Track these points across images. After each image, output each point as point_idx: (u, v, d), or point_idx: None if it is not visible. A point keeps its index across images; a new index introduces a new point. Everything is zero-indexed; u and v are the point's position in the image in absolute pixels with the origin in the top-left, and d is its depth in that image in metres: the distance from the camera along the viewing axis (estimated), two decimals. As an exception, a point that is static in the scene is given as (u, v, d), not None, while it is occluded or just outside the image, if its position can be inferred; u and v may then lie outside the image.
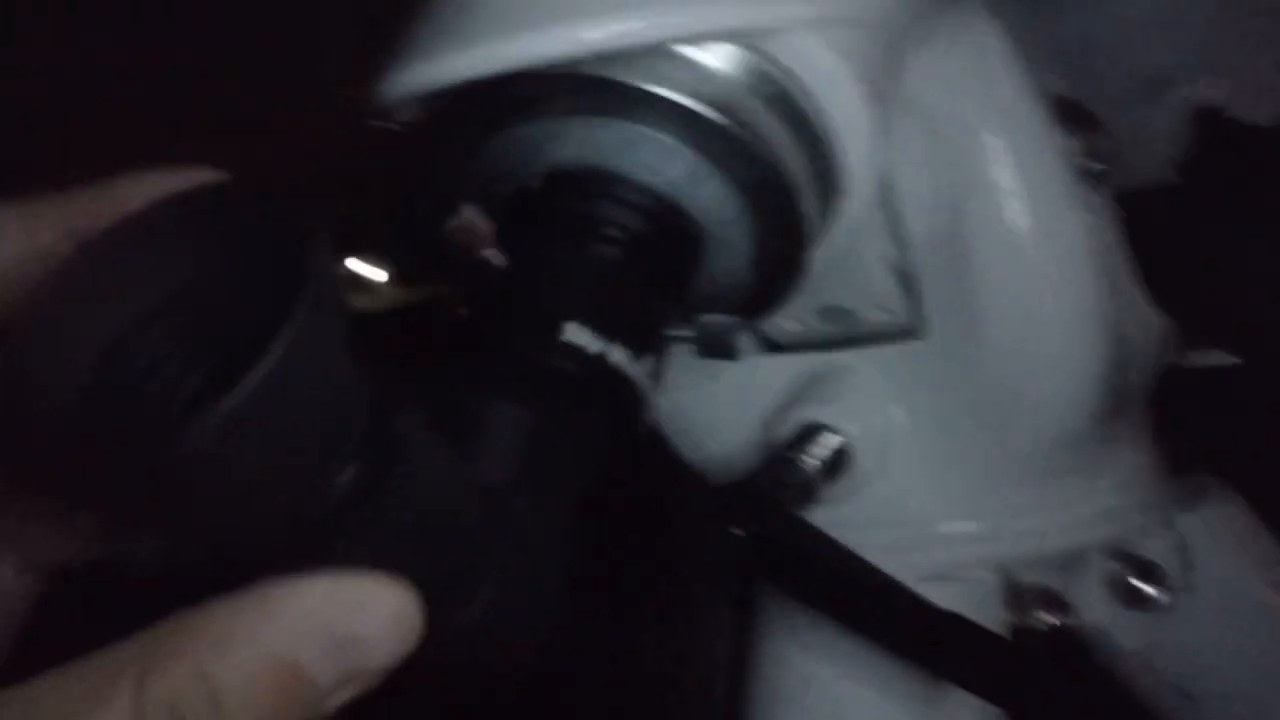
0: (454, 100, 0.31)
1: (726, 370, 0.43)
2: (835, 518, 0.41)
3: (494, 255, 0.30)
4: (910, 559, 0.42)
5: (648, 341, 0.30)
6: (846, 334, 0.43)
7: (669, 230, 0.31)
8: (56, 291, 0.21)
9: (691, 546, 0.39)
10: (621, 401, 0.30)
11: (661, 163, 0.31)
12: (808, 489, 0.40)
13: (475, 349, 0.29)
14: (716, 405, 0.43)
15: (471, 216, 0.30)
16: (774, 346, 0.44)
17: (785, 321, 0.43)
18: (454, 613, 0.25)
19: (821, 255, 0.38)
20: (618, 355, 0.30)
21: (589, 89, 0.30)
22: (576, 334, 0.29)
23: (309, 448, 0.21)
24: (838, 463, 0.42)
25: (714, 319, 0.31)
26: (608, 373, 0.29)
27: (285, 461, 0.21)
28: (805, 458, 0.41)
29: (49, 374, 0.21)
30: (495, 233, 0.30)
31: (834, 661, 0.43)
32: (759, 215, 0.32)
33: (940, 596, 0.38)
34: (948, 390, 0.42)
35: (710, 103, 0.30)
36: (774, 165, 0.31)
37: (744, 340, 0.31)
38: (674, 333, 0.31)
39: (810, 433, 0.42)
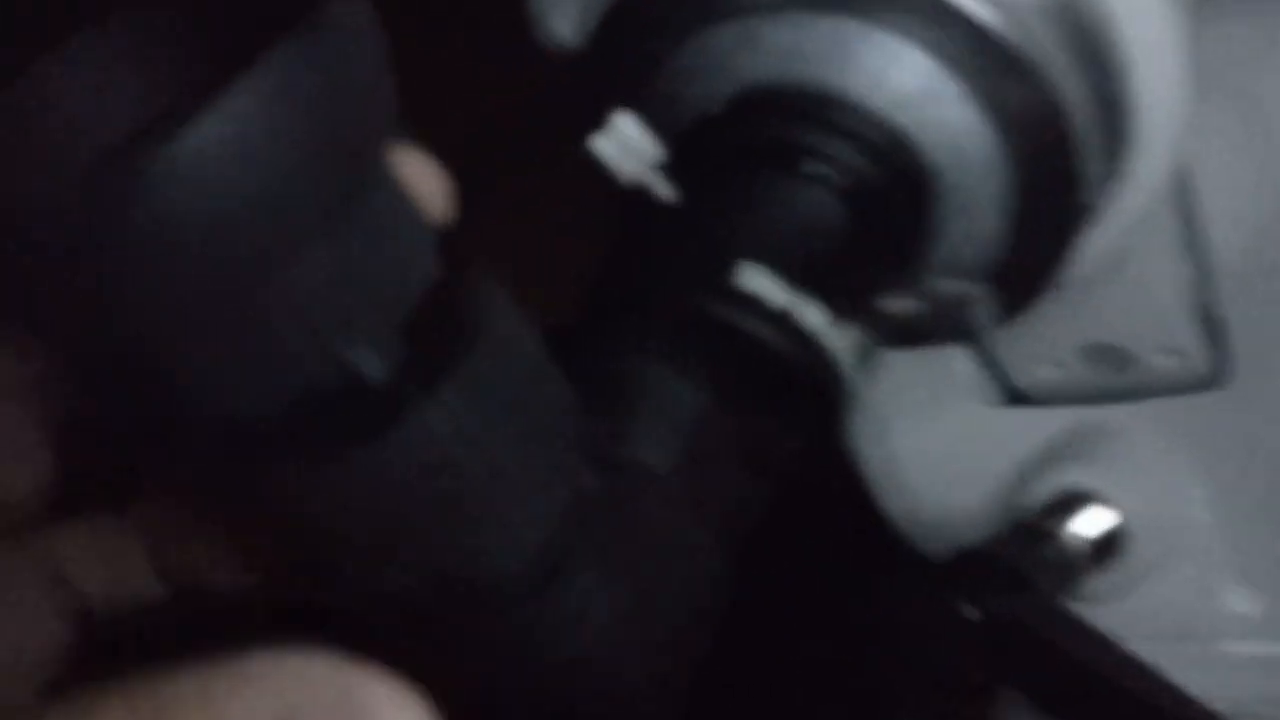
0: (621, 5, 0.25)
1: (957, 413, 0.35)
2: (1094, 622, 0.31)
3: (657, 182, 0.23)
4: (1192, 684, 0.31)
5: (853, 305, 0.22)
6: (1122, 384, 0.34)
7: (891, 168, 0.23)
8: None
9: (904, 628, 0.30)
10: (811, 380, 0.21)
11: (887, 74, 0.23)
12: (1070, 571, 0.31)
13: (629, 298, 0.22)
14: (941, 455, 0.35)
15: (627, 129, 0.23)
16: (1020, 398, 0.35)
17: (1037, 364, 0.35)
18: (553, 637, 0.17)
19: (1093, 257, 0.29)
20: (811, 316, 0.21)
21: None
22: (755, 279, 0.21)
23: (312, 282, 0.14)
24: (1110, 546, 0.32)
25: (947, 284, 0.23)
26: (795, 336, 0.21)
27: (276, 295, 0.14)
28: (1068, 532, 0.31)
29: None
30: (661, 156, 0.23)
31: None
32: (1020, 156, 0.23)
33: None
34: (1256, 461, 0.33)
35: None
36: (1047, 89, 0.23)
37: (985, 316, 0.22)
38: (890, 304, 0.23)
39: (1071, 502, 0.33)
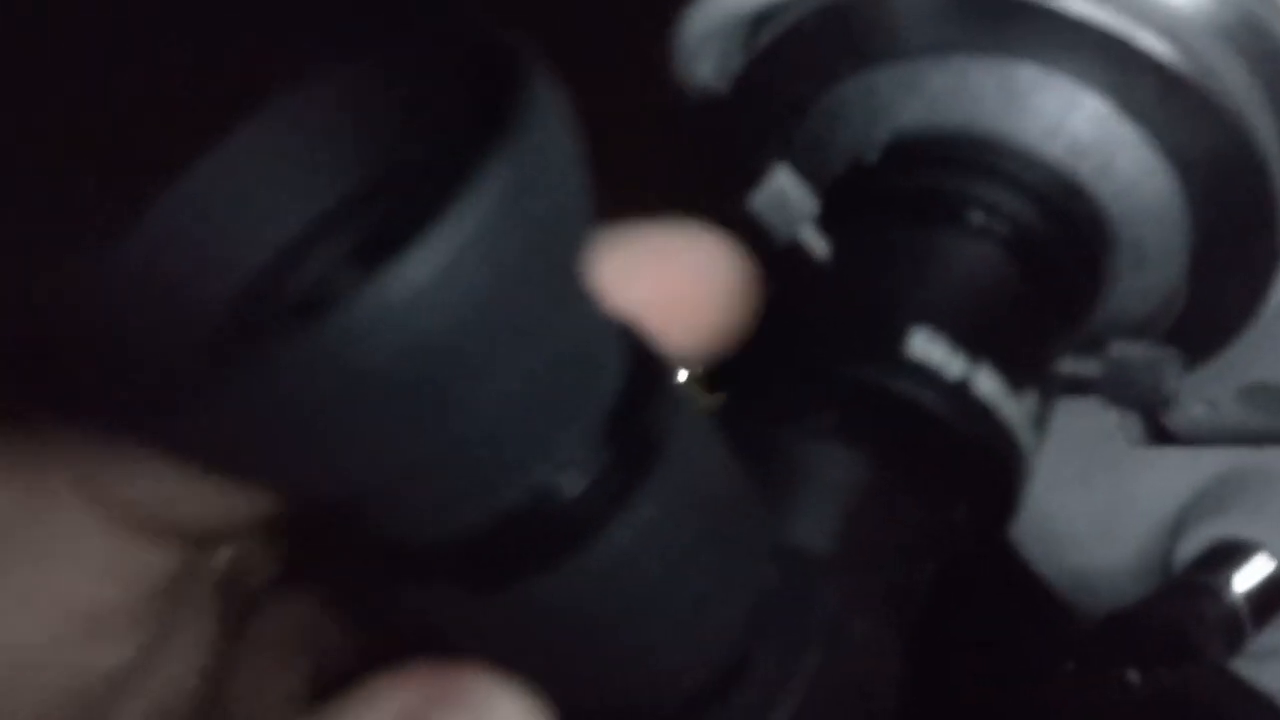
0: (771, 46, 0.23)
1: (1104, 459, 0.33)
2: (1255, 681, 0.29)
3: (813, 239, 0.21)
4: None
5: (1029, 373, 0.20)
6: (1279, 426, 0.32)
7: (1064, 219, 0.22)
8: (200, 187, 0.14)
9: (1063, 696, 0.28)
10: (990, 456, 0.20)
11: (1062, 120, 0.21)
12: (1235, 630, 0.29)
13: (787, 367, 0.20)
14: (1089, 506, 0.33)
15: (784, 183, 0.21)
16: (1164, 436, 0.33)
17: (1189, 404, 0.32)
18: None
19: (1275, 304, 0.27)
20: (987, 384, 0.20)
21: (966, 10, 0.21)
22: (927, 347, 0.20)
23: (513, 407, 0.13)
24: (1273, 597, 0.30)
25: (1131, 350, 0.21)
26: (972, 409, 0.20)
27: (473, 426, 0.12)
28: (1227, 586, 0.29)
29: (193, 288, 0.13)
30: (817, 210, 0.22)
31: None
32: (1205, 203, 0.22)
33: None
34: None
35: (1146, 25, 0.21)
36: (1235, 132, 0.21)
37: (1172, 378, 0.20)
38: (1068, 368, 0.21)
39: (1228, 553, 0.31)
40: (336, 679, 0.19)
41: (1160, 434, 0.34)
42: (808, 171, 0.23)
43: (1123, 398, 0.21)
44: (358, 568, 0.16)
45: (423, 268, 0.11)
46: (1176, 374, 0.20)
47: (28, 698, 0.16)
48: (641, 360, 0.14)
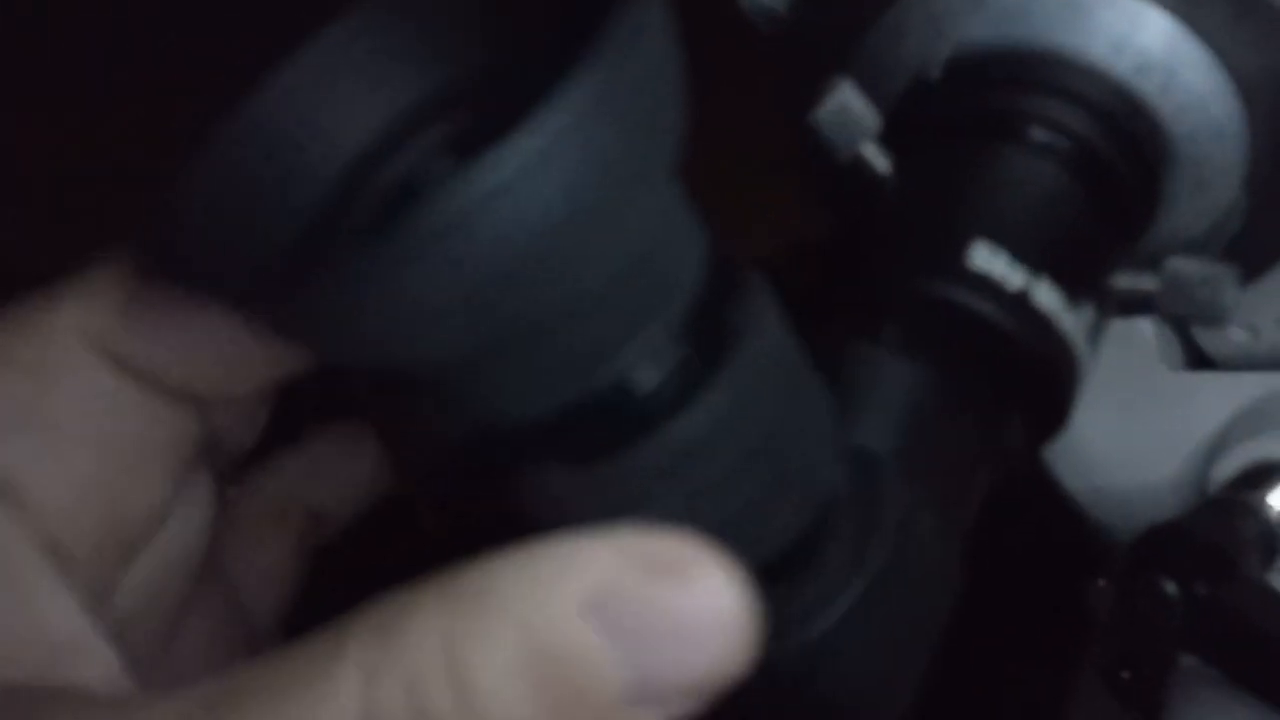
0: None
1: (1142, 381, 0.33)
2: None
3: (875, 156, 0.22)
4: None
5: (1087, 286, 0.21)
6: (1319, 350, 0.32)
7: (1126, 137, 0.22)
8: (297, 75, 0.14)
9: (1099, 609, 0.28)
10: (1048, 365, 0.20)
11: (1128, 37, 0.21)
12: (1270, 545, 0.29)
13: (851, 279, 0.21)
14: (1126, 427, 0.33)
15: (847, 98, 0.21)
16: (1205, 361, 0.33)
17: (1230, 327, 0.33)
18: (795, 628, 0.17)
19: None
20: (1046, 296, 0.20)
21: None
22: (988, 259, 0.20)
23: (595, 302, 0.13)
24: (1306, 518, 0.30)
25: (1188, 265, 0.21)
26: (1032, 319, 0.20)
27: (561, 310, 0.13)
28: (1265, 505, 0.30)
29: (288, 178, 0.14)
30: (880, 125, 0.22)
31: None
32: (1264, 121, 0.22)
33: None
34: None
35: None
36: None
37: (1228, 294, 0.20)
38: (1126, 282, 0.21)
39: (1265, 474, 0.31)
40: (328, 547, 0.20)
41: (1200, 359, 0.34)
42: (871, 89, 0.23)
43: (1179, 312, 0.21)
44: (441, 453, 0.16)
45: (521, 156, 0.12)
46: (1233, 290, 0.20)
47: (84, 525, 0.17)
48: (721, 268, 0.15)
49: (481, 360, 0.14)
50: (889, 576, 0.18)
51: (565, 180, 0.12)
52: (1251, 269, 0.24)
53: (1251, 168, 0.22)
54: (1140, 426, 0.34)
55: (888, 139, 0.22)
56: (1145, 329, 0.34)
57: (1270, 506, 0.30)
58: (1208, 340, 0.34)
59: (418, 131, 0.15)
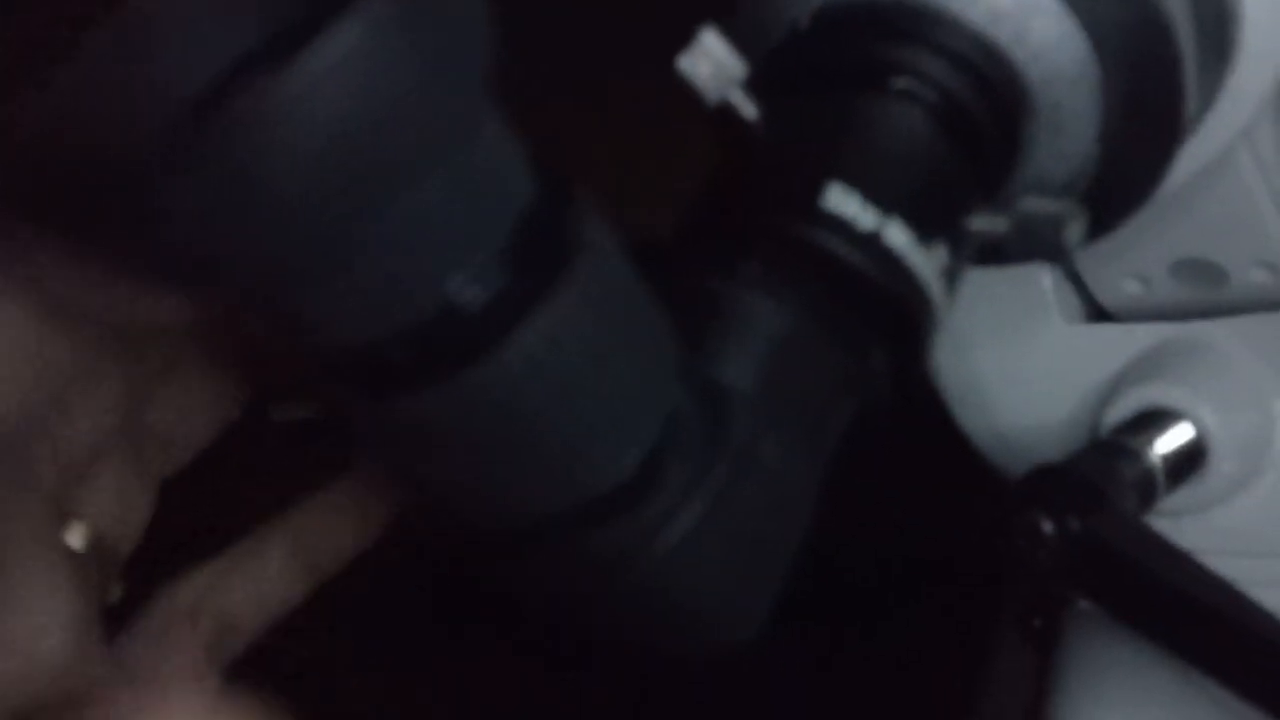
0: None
1: (1040, 331, 0.34)
2: (1175, 539, 0.31)
3: (742, 102, 0.22)
4: (1272, 600, 0.30)
5: (941, 228, 0.21)
6: (1211, 300, 0.32)
7: (983, 83, 0.22)
8: None
9: (980, 544, 0.29)
10: (899, 302, 0.21)
11: (980, -13, 0.22)
12: (1148, 488, 0.30)
13: (716, 221, 0.21)
14: (1024, 373, 0.34)
15: (711, 45, 0.22)
16: (1102, 314, 0.34)
17: (1123, 281, 0.33)
18: (636, 551, 0.17)
19: (1189, 172, 0.28)
20: (899, 237, 0.21)
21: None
22: (841, 200, 0.21)
23: (411, 219, 0.14)
24: (1189, 462, 0.31)
25: (1036, 204, 0.22)
26: (883, 258, 0.21)
27: (375, 233, 0.13)
28: (1148, 448, 0.31)
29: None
30: (746, 73, 0.22)
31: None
32: (1118, 70, 0.22)
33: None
34: None
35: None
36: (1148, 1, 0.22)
37: (1073, 234, 0.21)
38: (979, 224, 0.22)
39: (1153, 419, 0.32)
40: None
41: (1097, 312, 0.35)
42: (750, 41, 0.24)
43: (1028, 251, 0.22)
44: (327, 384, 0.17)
45: (322, 57, 0.12)
46: (1078, 227, 0.21)
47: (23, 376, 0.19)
48: (549, 183, 0.15)
49: (300, 282, 0.14)
50: (732, 498, 0.18)
51: (363, 84, 0.13)
52: (1112, 215, 0.25)
53: (1105, 115, 0.23)
54: (1037, 374, 0.34)
55: (761, 87, 0.23)
56: (1044, 283, 0.35)
57: (1153, 450, 0.31)
58: (1103, 293, 0.34)
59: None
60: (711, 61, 0.22)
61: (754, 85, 0.23)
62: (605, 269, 0.16)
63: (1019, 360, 0.34)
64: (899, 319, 0.21)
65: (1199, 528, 0.33)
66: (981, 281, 0.33)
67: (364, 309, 0.15)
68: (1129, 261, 0.33)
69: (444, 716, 0.51)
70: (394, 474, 0.18)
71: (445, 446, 0.16)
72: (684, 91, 0.23)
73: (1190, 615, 0.28)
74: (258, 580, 0.22)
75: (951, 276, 0.22)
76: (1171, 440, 0.31)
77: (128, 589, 0.22)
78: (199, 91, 0.12)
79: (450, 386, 0.15)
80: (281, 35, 0.12)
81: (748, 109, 0.22)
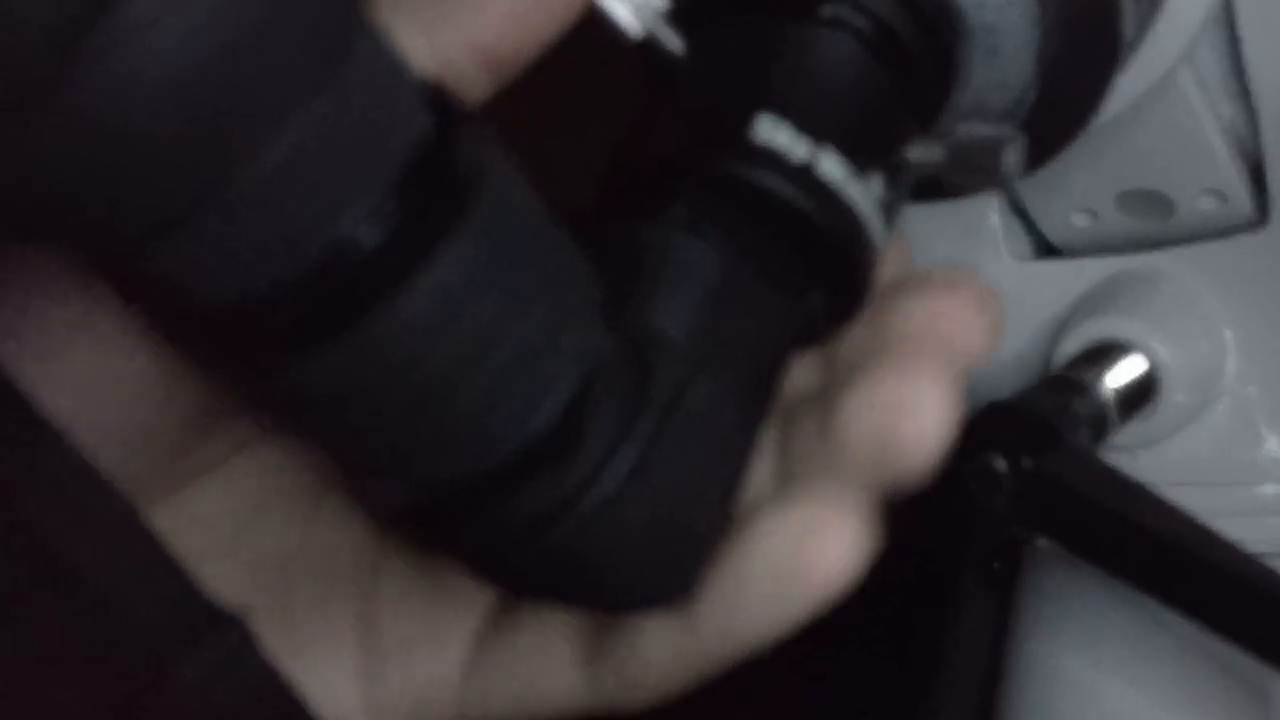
0: None
1: (989, 268, 0.33)
2: (1130, 471, 0.30)
3: (666, 35, 0.21)
4: (1228, 528, 0.30)
5: (876, 158, 0.20)
6: (1159, 231, 0.32)
7: (915, 8, 0.21)
8: None
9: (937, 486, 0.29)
10: (835, 236, 0.20)
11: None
12: (1101, 422, 0.29)
13: (643, 161, 0.20)
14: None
15: (634, -24, 0.21)
16: (1053, 250, 0.34)
17: (1071, 215, 0.33)
18: (568, 500, 0.16)
19: (1129, 98, 0.27)
20: (830, 167, 0.20)
21: None
22: (771, 132, 0.20)
23: (296, 158, 0.13)
24: (1141, 394, 0.31)
25: (973, 130, 0.21)
26: (817, 191, 0.20)
27: (252, 175, 0.12)
28: (1099, 383, 0.30)
29: None
30: (665, 4, 0.21)
31: (1115, 668, 0.32)
32: (1050, -7, 0.21)
33: None
34: None
35: None
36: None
37: (1011, 159, 0.20)
38: (915, 154, 0.21)
39: (1104, 352, 0.31)
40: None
41: (1046, 248, 0.34)
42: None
43: (966, 179, 0.21)
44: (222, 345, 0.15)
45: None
46: (1016, 153, 0.20)
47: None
48: (444, 116, 0.14)
49: (190, 225, 0.13)
50: (660, 450, 0.17)
51: (218, 4, 0.11)
52: (1052, 142, 0.24)
53: (1042, 37, 0.22)
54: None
55: (686, 21, 0.22)
56: (992, 220, 0.34)
57: (1106, 384, 0.31)
58: (1051, 228, 0.34)
59: None
60: (631, -6, 0.21)
61: (678, 17, 0.22)
62: (512, 207, 0.15)
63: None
64: (836, 255, 0.20)
65: (1153, 460, 0.32)
66: (929, 220, 0.32)
67: (244, 259, 0.13)
68: (1076, 195, 0.32)
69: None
70: (300, 438, 0.17)
71: (343, 409, 0.15)
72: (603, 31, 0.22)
73: (1147, 548, 0.27)
74: None
75: (889, 209, 0.21)
76: (1124, 373, 0.31)
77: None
78: (50, 24, 0.11)
79: (344, 342, 0.14)
80: None
81: (672, 42, 0.21)
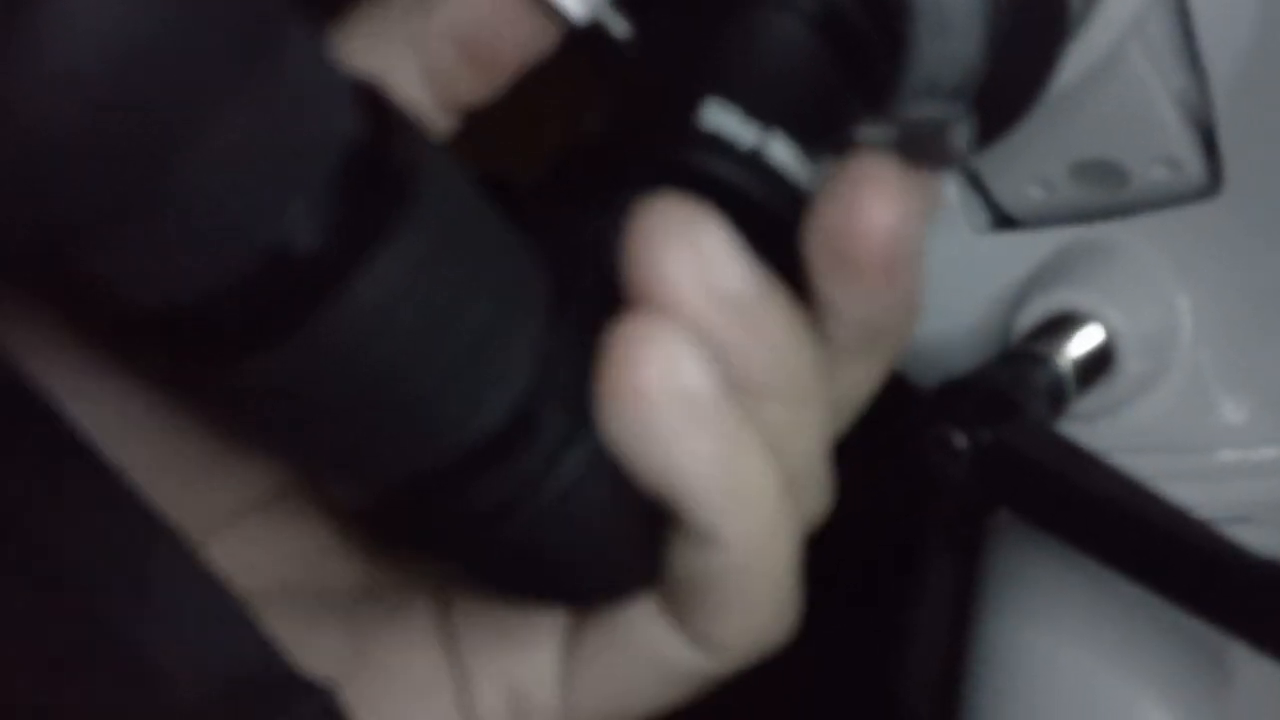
0: None
1: (944, 241, 0.33)
2: (1088, 440, 0.30)
3: (611, 19, 0.21)
4: (1187, 496, 0.30)
5: (828, 137, 0.20)
6: (1113, 200, 0.32)
7: None
8: None
9: (898, 462, 0.28)
10: (785, 221, 0.20)
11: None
12: (1058, 393, 0.29)
13: (588, 150, 0.20)
14: (930, 283, 0.33)
15: (578, -39, 0.20)
16: (1007, 221, 0.33)
17: (1025, 186, 0.33)
18: (527, 489, 0.16)
19: (1081, 69, 0.27)
20: (780, 151, 0.19)
21: None
22: (719, 117, 0.19)
23: (225, 161, 0.12)
24: (1098, 364, 0.31)
25: (922, 108, 0.21)
26: (766, 176, 0.19)
27: (183, 177, 0.12)
28: (1056, 354, 0.30)
29: None
30: (614, -9, 0.21)
31: (1078, 640, 0.32)
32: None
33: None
34: (1248, 271, 0.31)
35: None
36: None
37: (960, 138, 0.20)
38: (864, 134, 0.21)
39: (1061, 323, 0.31)
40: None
41: (1003, 219, 0.34)
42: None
43: (916, 159, 0.20)
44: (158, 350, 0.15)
45: None
46: (964, 132, 0.20)
47: None
48: (379, 115, 0.14)
49: (95, 239, 0.12)
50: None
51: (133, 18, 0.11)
52: (1003, 117, 0.24)
53: (990, 13, 0.22)
54: (945, 285, 0.33)
55: (632, 4, 0.21)
56: (949, 193, 0.34)
57: (1063, 355, 0.31)
58: (1007, 199, 0.34)
59: None
60: (576, -21, 0.20)
61: (624, 2, 0.21)
62: (452, 203, 0.14)
63: (927, 272, 0.33)
64: (788, 239, 0.20)
65: (1111, 428, 0.32)
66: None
67: (180, 261, 0.13)
68: (1030, 166, 0.32)
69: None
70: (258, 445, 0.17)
71: (295, 410, 0.14)
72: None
73: (1105, 519, 0.27)
74: None
75: (841, 191, 0.21)
76: (1081, 344, 0.31)
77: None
78: None
79: (290, 343, 0.14)
80: None
81: (618, 26, 0.21)
